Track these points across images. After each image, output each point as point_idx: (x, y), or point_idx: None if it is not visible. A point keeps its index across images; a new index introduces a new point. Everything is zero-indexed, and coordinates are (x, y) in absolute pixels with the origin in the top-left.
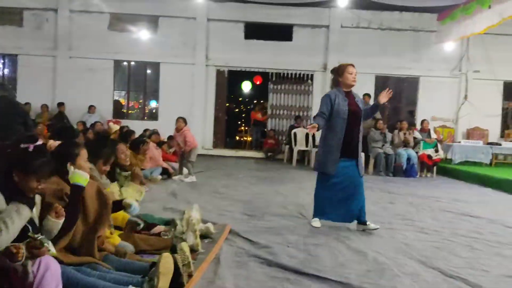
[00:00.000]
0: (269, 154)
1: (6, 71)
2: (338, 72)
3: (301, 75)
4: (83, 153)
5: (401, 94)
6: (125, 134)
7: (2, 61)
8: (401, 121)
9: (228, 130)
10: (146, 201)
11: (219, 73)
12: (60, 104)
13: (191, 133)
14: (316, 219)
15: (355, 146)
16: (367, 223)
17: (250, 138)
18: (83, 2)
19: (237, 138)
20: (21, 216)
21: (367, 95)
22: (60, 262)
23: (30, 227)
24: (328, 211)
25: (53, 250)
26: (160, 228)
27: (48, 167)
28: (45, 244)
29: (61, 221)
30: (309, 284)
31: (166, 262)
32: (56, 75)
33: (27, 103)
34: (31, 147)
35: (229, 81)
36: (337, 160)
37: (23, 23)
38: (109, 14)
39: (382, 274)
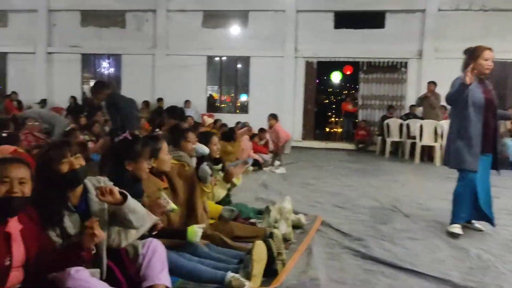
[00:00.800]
0: (360, 145)
1: (111, 70)
2: (473, 55)
3: (394, 63)
4: (164, 147)
5: (506, 80)
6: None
7: (108, 60)
8: (506, 109)
9: (317, 121)
10: (238, 191)
11: (308, 64)
12: (159, 100)
13: (282, 127)
14: (457, 225)
15: (493, 139)
16: (472, 221)
17: (341, 130)
18: (179, 1)
19: (327, 129)
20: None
21: (432, 83)
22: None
23: None
24: (468, 213)
25: (173, 205)
26: (253, 219)
27: (147, 148)
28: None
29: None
30: (405, 279)
31: (260, 249)
32: (155, 72)
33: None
34: (128, 136)
35: (318, 72)
36: (478, 155)
37: (126, 24)
38: (203, 11)
39: (486, 271)
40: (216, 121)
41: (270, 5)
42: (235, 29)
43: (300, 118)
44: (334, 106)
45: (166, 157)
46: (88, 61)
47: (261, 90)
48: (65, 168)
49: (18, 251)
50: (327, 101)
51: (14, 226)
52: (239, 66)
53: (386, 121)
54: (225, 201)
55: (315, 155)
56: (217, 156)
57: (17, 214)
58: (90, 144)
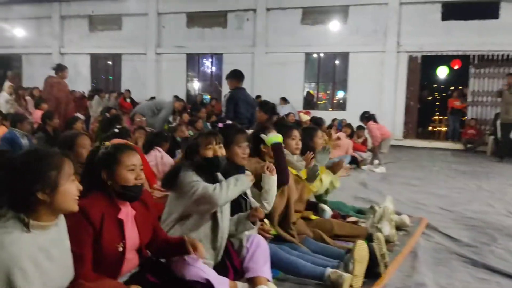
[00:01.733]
0: (468, 145)
1: (213, 69)
2: None
3: (510, 57)
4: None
5: None
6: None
7: (210, 60)
8: None
9: (420, 119)
10: (336, 190)
11: (411, 59)
12: (258, 97)
13: (376, 126)
14: None
15: None
16: None
17: (446, 128)
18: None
19: (430, 128)
20: (238, 182)
21: None
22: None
23: (246, 200)
24: None
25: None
26: (352, 219)
27: (241, 133)
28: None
29: (275, 176)
30: None
31: (361, 249)
32: (254, 70)
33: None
34: (221, 125)
35: (422, 67)
36: None
37: (227, 24)
38: (302, 8)
39: None
40: (312, 118)
41: None
42: (334, 24)
43: (402, 115)
44: (438, 103)
45: (238, 150)
46: (192, 60)
47: (359, 86)
48: (209, 153)
49: (132, 236)
50: (431, 97)
51: (127, 212)
52: (337, 62)
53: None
54: (321, 200)
55: (418, 154)
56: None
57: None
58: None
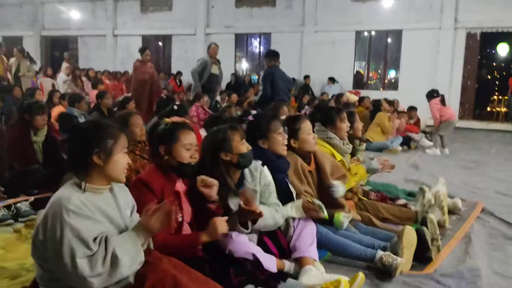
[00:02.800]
0: None
1: (261, 48)
2: None
3: None
4: (305, 126)
5: None
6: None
7: (258, 40)
8: None
9: (477, 100)
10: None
11: (469, 36)
12: (306, 77)
13: (437, 106)
14: None
15: None
16: None
17: (506, 109)
18: None
19: (489, 109)
20: None
21: None
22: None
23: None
24: None
25: (325, 213)
26: (402, 201)
27: (276, 119)
28: (322, 209)
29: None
30: None
31: (409, 235)
32: (302, 50)
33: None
34: (250, 118)
35: (481, 44)
36: None
37: (276, 3)
38: None
39: None
40: (361, 98)
41: None
42: (387, 1)
43: (458, 96)
44: (498, 82)
45: (309, 137)
46: (241, 40)
47: (413, 65)
48: (244, 148)
49: (187, 208)
50: (490, 77)
51: (181, 186)
52: (389, 40)
53: None
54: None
55: (474, 136)
56: (360, 135)
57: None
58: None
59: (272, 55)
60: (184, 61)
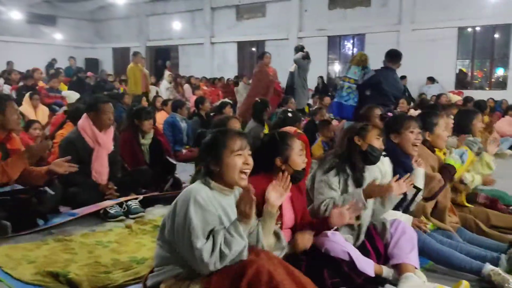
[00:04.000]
0: None
1: (355, 50)
2: None
3: None
4: (442, 122)
5: None
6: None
7: (352, 41)
8: None
9: None
10: (497, 178)
11: None
12: (403, 78)
13: None
14: None
15: None
16: None
17: None
18: None
19: None
20: None
21: None
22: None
23: None
24: None
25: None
26: None
27: (411, 121)
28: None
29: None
30: None
31: None
32: (398, 49)
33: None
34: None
35: None
36: None
37: (371, 2)
38: None
39: None
40: (466, 99)
41: None
42: None
43: None
44: None
45: (444, 133)
46: (333, 42)
47: None
48: (378, 143)
49: (288, 215)
50: None
51: None
52: (496, 36)
53: None
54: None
55: None
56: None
57: None
58: (334, 122)
59: (397, 56)
60: (278, 65)
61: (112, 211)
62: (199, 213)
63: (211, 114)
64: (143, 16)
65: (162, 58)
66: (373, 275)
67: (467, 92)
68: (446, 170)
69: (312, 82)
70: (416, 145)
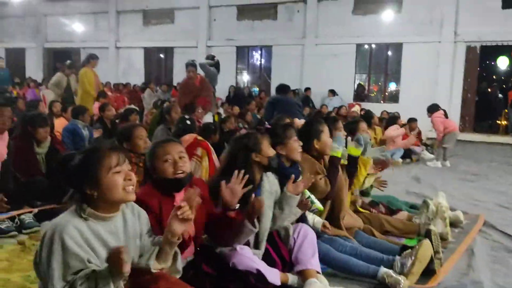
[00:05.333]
0: None
1: (263, 61)
2: None
3: None
4: (326, 130)
5: None
6: (366, 116)
7: (259, 52)
8: None
9: (478, 112)
10: (388, 184)
11: (469, 49)
12: (307, 89)
13: (440, 119)
14: None
15: None
16: None
17: (506, 122)
18: None
19: (489, 121)
20: None
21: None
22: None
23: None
24: None
25: (319, 205)
26: (404, 214)
27: (292, 128)
28: (314, 202)
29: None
30: None
31: (425, 250)
32: (303, 62)
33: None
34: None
35: (481, 58)
36: None
37: (277, 16)
38: None
39: None
40: (362, 110)
41: None
42: (387, 14)
43: (458, 108)
44: (499, 95)
45: (329, 139)
46: (242, 53)
47: (413, 78)
48: (271, 152)
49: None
50: (489, 90)
51: (180, 199)
52: (389, 53)
53: None
54: (366, 193)
55: (475, 149)
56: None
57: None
58: (243, 131)
59: (282, 90)
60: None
61: (2, 226)
62: (61, 256)
63: (116, 121)
64: (40, 15)
65: (62, 61)
66: (279, 284)
67: (364, 105)
68: (332, 162)
69: (222, 92)
70: (299, 152)
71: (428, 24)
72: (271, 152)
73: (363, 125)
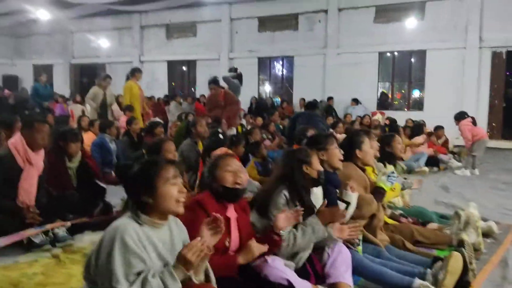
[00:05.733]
0: None
1: (284, 71)
2: None
3: None
4: (367, 141)
5: None
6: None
7: (281, 62)
8: None
9: (506, 118)
10: (416, 194)
11: (495, 55)
12: (329, 99)
13: (468, 127)
14: None
15: None
16: None
17: None
18: None
19: None
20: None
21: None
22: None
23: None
24: None
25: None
26: (434, 225)
27: (332, 138)
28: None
29: (357, 194)
30: None
31: (456, 261)
32: (325, 72)
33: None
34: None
35: (507, 63)
36: None
37: (298, 26)
38: (375, 7)
39: None
40: (387, 119)
41: None
42: (410, 21)
43: (485, 115)
44: None
45: (370, 150)
46: (264, 64)
47: (438, 85)
48: (320, 167)
49: (235, 235)
50: None
51: (231, 213)
52: (413, 60)
53: None
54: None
55: (504, 156)
56: (401, 154)
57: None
58: (267, 142)
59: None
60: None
61: (36, 240)
62: (123, 256)
63: (142, 134)
64: (67, 32)
65: (88, 76)
66: None
67: (388, 113)
68: (377, 192)
69: (244, 103)
70: (341, 160)
71: (452, 30)
72: (320, 166)
73: (398, 139)
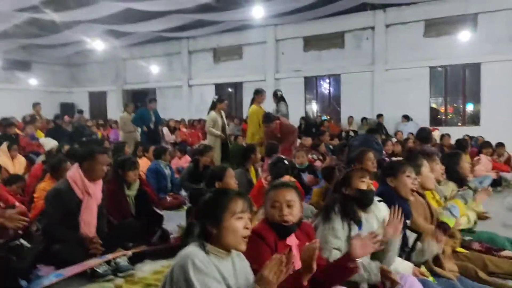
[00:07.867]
0: None
1: (331, 89)
2: None
3: None
4: (426, 164)
5: None
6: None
7: (328, 81)
8: None
9: None
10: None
11: None
12: (379, 116)
13: None
14: None
15: None
16: None
17: None
18: (398, 14)
19: None
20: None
21: None
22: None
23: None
24: None
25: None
26: (508, 252)
27: (409, 164)
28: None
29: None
30: None
31: None
32: (373, 88)
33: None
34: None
35: None
36: None
37: (345, 44)
38: (424, 21)
39: None
40: (442, 136)
41: (503, 4)
42: (462, 34)
43: None
44: None
45: (430, 173)
46: (310, 83)
47: (494, 98)
48: (363, 186)
49: (296, 263)
50: None
51: (292, 240)
52: (466, 74)
53: None
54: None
55: None
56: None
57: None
58: (318, 163)
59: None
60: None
61: (100, 270)
62: (200, 279)
63: (195, 158)
64: (120, 60)
65: (140, 101)
66: None
67: (442, 129)
68: (441, 227)
69: (292, 123)
70: (413, 190)
71: (508, 42)
72: (362, 185)
73: (464, 158)
